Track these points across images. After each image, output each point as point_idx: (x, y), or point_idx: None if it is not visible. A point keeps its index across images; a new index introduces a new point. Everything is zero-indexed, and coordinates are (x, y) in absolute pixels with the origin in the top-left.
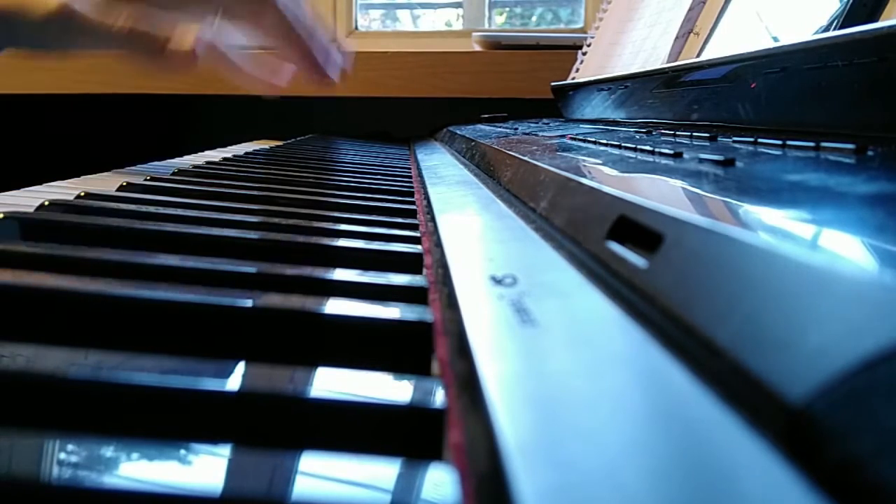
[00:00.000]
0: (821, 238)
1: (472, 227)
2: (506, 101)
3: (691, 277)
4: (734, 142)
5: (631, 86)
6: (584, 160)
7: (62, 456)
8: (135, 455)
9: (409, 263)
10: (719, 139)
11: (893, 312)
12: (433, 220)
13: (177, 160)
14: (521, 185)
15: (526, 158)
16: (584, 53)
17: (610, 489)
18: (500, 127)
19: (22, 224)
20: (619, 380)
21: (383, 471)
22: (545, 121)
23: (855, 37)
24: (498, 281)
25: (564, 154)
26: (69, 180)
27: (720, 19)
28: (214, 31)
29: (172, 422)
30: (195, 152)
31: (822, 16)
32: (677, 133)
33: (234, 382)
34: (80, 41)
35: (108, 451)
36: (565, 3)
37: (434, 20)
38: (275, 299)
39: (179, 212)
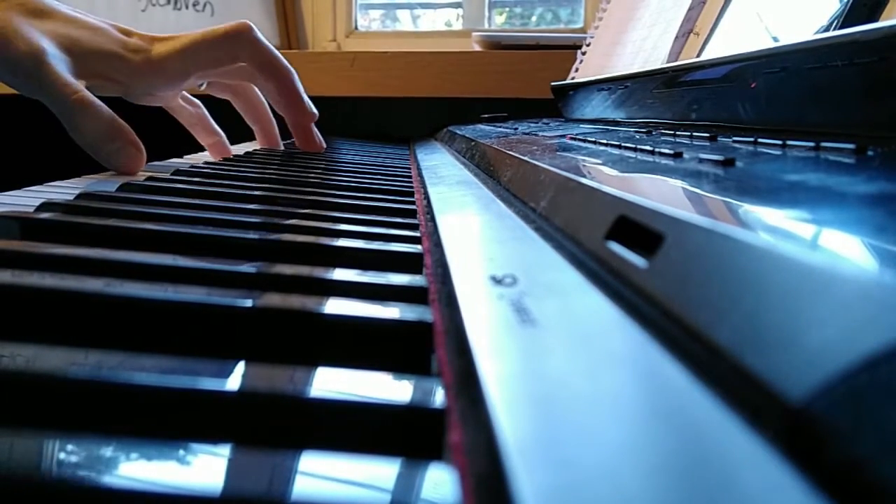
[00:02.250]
0: (821, 238)
1: (471, 226)
2: (506, 100)
3: (691, 277)
4: (734, 142)
5: (631, 86)
6: (583, 160)
7: (62, 456)
8: (135, 455)
9: (409, 263)
10: (719, 139)
11: (893, 312)
12: (433, 219)
13: (176, 160)
14: (521, 184)
15: (526, 158)
16: (584, 53)
17: (609, 489)
18: (500, 127)
19: (21, 224)
20: (618, 380)
21: (383, 471)
22: (545, 121)
23: (855, 37)
24: (498, 281)
25: (564, 154)
26: (69, 180)
27: (720, 19)
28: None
29: (172, 422)
30: (195, 152)
31: (822, 16)
32: (677, 133)
33: (234, 382)
34: (43, 97)
35: (108, 451)
36: (565, 3)
37: (434, 20)
38: (275, 299)
39: (179, 212)
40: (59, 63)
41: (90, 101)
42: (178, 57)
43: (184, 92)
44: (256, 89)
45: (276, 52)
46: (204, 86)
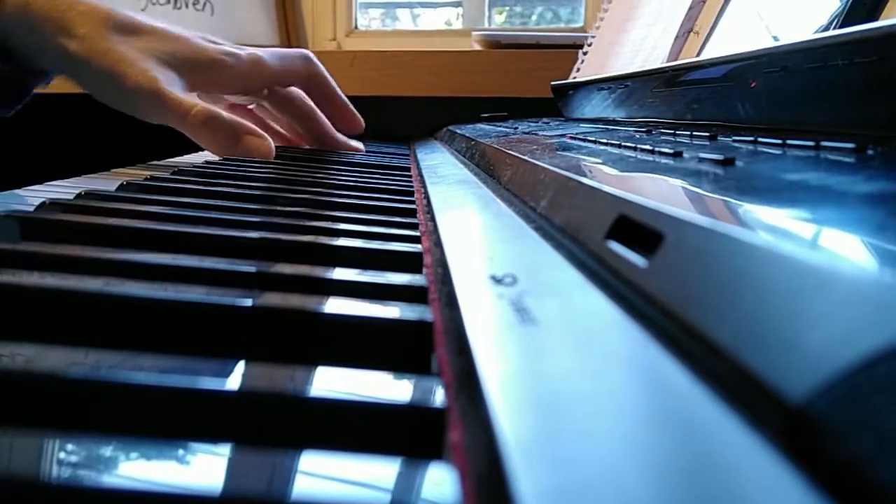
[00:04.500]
0: (821, 237)
1: (471, 226)
2: (506, 100)
3: (691, 277)
4: (734, 141)
5: (631, 85)
6: (583, 159)
7: (62, 456)
8: (135, 455)
9: (409, 262)
10: (719, 138)
11: (893, 311)
12: (433, 219)
13: (177, 160)
14: (521, 184)
15: (526, 158)
16: (585, 53)
17: (609, 488)
18: (500, 126)
19: (22, 224)
20: (618, 379)
21: (383, 470)
22: (545, 120)
23: (855, 36)
24: (498, 280)
25: (564, 153)
26: (69, 180)
27: (720, 18)
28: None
29: (172, 422)
30: (195, 152)
31: (821, 15)
32: (677, 132)
33: (234, 382)
34: (165, 122)
35: (107, 451)
36: (565, 2)
37: (434, 19)
38: (275, 299)
39: (179, 211)
40: (172, 84)
41: (208, 114)
42: (267, 63)
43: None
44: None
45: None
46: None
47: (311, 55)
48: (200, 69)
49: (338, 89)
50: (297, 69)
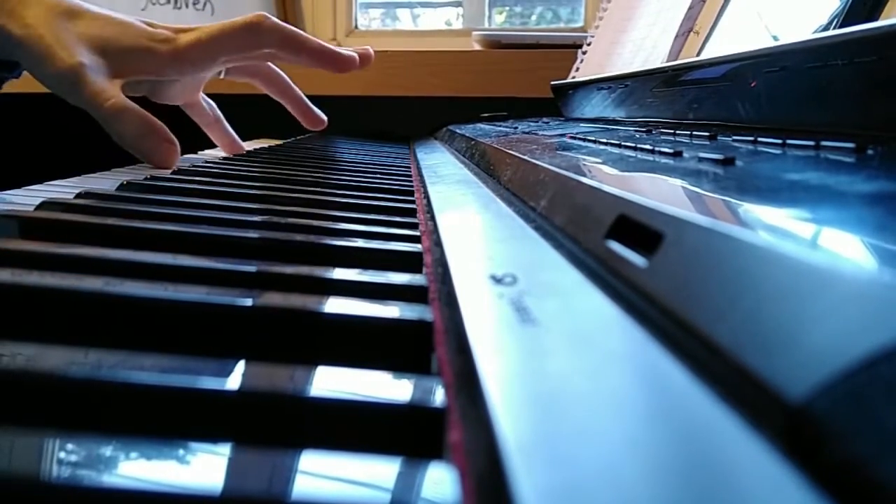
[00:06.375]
0: (821, 237)
1: (471, 225)
2: (506, 100)
3: (691, 276)
4: (734, 141)
5: (630, 85)
6: (583, 159)
7: (62, 455)
8: (134, 455)
9: (409, 262)
10: (719, 138)
11: (893, 311)
12: (433, 218)
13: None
14: (521, 184)
15: (526, 157)
16: (584, 53)
17: (609, 488)
18: (499, 126)
19: (21, 223)
20: (618, 379)
21: (383, 470)
22: (545, 120)
23: (855, 36)
24: (498, 280)
25: (564, 153)
26: (69, 180)
27: (720, 18)
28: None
29: (172, 421)
30: (195, 152)
31: (821, 15)
32: (677, 132)
33: (234, 382)
34: (83, 106)
35: (107, 451)
36: (565, 2)
37: (434, 19)
38: (275, 299)
39: (179, 211)
40: (95, 70)
41: (123, 106)
42: (205, 44)
43: (202, 93)
44: (273, 66)
45: (292, 27)
46: (223, 74)
47: (264, 17)
48: (129, 57)
49: (307, 38)
50: (244, 42)
